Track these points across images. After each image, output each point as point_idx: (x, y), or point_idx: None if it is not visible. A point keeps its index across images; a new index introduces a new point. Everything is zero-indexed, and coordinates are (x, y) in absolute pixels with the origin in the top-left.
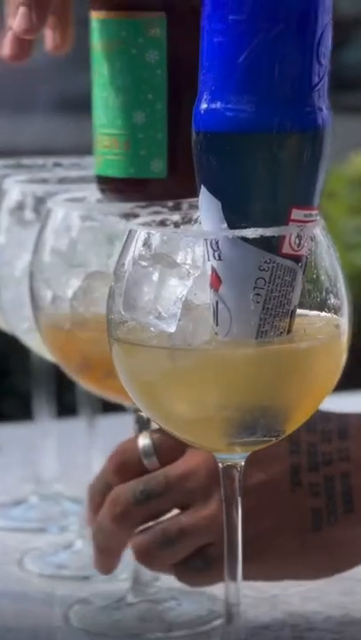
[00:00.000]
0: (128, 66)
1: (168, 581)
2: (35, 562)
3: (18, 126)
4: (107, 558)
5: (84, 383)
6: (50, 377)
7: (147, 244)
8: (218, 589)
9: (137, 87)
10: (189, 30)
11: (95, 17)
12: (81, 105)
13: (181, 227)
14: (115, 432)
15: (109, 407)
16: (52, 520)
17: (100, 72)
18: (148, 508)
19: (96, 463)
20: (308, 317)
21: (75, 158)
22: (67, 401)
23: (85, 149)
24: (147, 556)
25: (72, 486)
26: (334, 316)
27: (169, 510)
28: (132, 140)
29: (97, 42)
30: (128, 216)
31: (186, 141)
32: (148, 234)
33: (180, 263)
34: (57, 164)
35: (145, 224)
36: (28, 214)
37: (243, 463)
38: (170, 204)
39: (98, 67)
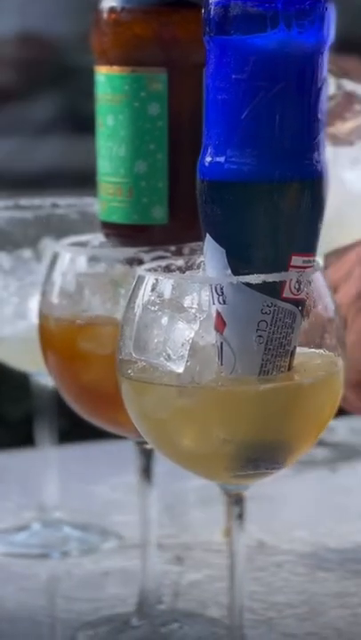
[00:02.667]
0: (131, 118)
1: (171, 604)
2: (36, 586)
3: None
4: None
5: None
6: (51, 404)
7: (155, 289)
8: (217, 612)
9: (139, 138)
10: (189, 85)
11: (100, 71)
12: None
13: (186, 272)
14: (114, 458)
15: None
16: (54, 546)
17: (105, 123)
18: None
19: (96, 489)
20: (307, 355)
21: (72, 199)
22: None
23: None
24: None
25: (73, 513)
26: (331, 353)
27: None
28: (134, 188)
29: (102, 95)
30: (132, 260)
31: (185, 189)
32: (157, 280)
33: (188, 307)
34: (55, 205)
35: (152, 270)
36: None
37: (246, 493)
38: (172, 248)
39: (102, 118)
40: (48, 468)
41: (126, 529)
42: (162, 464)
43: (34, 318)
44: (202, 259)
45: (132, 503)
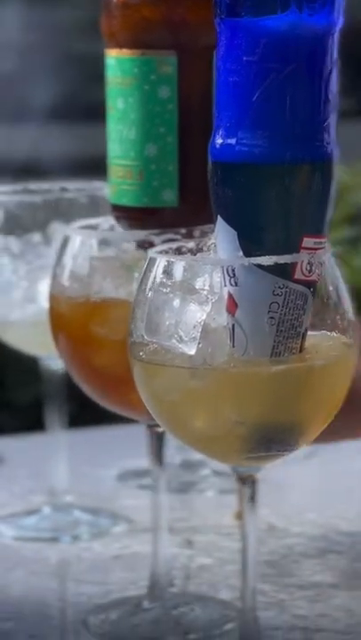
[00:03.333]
0: (141, 101)
1: (182, 587)
2: (47, 568)
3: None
4: None
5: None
6: (61, 388)
7: (167, 271)
8: (228, 595)
9: (150, 121)
10: (199, 67)
11: (110, 55)
12: None
13: (198, 254)
14: (124, 442)
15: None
16: (64, 530)
17: (115, 106)
18: None
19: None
20: (318, 337)
21: (81, 183)
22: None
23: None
24: None
25: (83, 497)
26: (342, 335)
27: None
28: (145, 171)
29: (112, 78)
30: (143, 243)
31: (196, 172)
32: (169, 262)
33: (199, 289)
34: (63, 189)
35: (164, 252)
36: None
37: (258, 475)
38: (183, 231)
39: (112, 101)
40: (58, 453)
41: (136, 513)
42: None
43: (43, 302)
44: (213, 241)
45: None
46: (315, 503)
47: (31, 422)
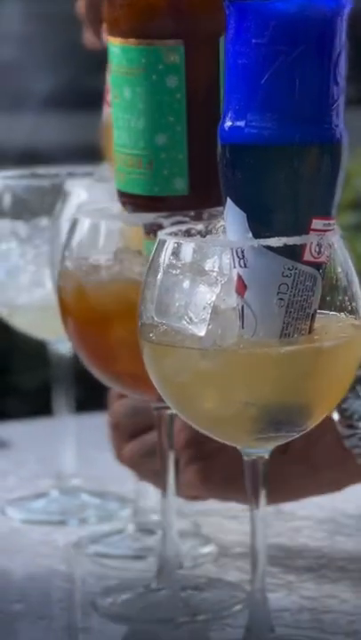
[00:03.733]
0: (149, 91)
1: (190, 570)
2: (55, 551)
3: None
4: None
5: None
6: (68, 372)
7: (176, 253)
8: (236, 576)
9: (158, 111)
10: (206, 56)
11: (114, 43)
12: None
13: (207, 236)
14: None
15: None
16: (72, 513)
17: (121, 95)
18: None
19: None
20: (327, 318)
21: (88, 167)
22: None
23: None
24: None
25: (90, 480)
26: (351, 316)
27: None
28: (155, 160)
29: (117, 66)
30: (152, 226)
31: (205, 160)
32: (178, 243)
33: (209, 271)
34: (71, 174)
35: (173, 234)
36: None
37: (267, 456)
38: (191, 213)
39: (118, 90)
40: (65, 436)
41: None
42: None
43: (51, 286)
44: (222, 223)
45: None
46: None
47: (39, 407)
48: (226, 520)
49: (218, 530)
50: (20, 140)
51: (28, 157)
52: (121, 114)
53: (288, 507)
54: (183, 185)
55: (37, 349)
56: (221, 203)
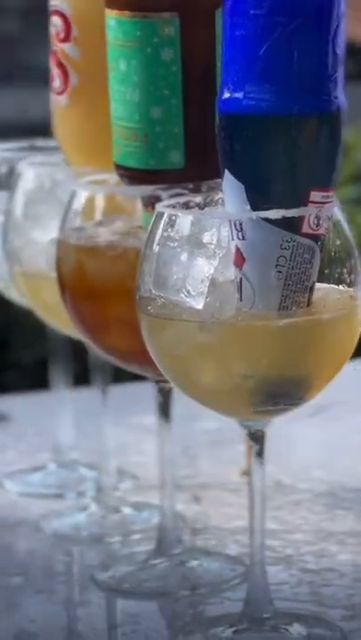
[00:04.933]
0: (144, 64)
1: (190, 543)
2: (52, 523)
3: None
4: None
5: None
6: (65, 347)
7: (174, 225)
8: (236, 550)
9: (153, 84)
10: (201, 28)
11: (110, 15)
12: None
13: (205, 209)
14: (127, 401)
15: (121, 377)
16: (69, 486)
17: (117, 68)
18: None
19: (109, 431)
20: (325, 291)
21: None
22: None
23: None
24: None
25: (88, 454)
26: (350, 289)
27: None
28: (150, 133)
29: (113, 39)
30: (150, 198)
31: (201, 133)
32: (176, 216)
33: (207, 243)
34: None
35: (171, 207)
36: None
37: (266, 429)
38: (190, 185)
39: (114, 62)
40: (63, 410)
41: (141, 469)
42: (178, 406)
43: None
44: (220, 195)
45: (147, 444)
46: (321, 460)
47: (37, 381)
48: (225, 493)
49: (217, 503)
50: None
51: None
52: (117, 86)
53: (288, 480)
54: (179, 158)
55: (35, 323)
56: (217, 176)
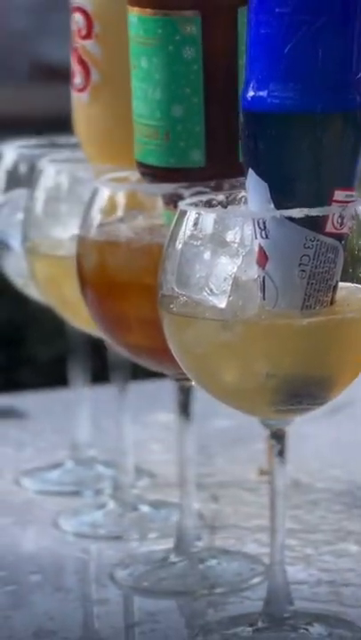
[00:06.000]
0: (165, 62)
1: (209, 542)
2: (69, 521)
3: None
4: None
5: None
6: (84, 344)
7: (197, 224)
8: (255, 549)
9: (175, 82)
10: (223, 27)
11: (132, 12)
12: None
13: (228, 207)
14: (146, 399)
15: (139, 374)
16: (87, 484)
17: (139, 65)
18: None
19: (127, 429)
20: (349, 290)
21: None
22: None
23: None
24: None
25: (105, 451)
26: None
27: None
28: (171, 132)
29: (135, 36)
30: (172, 196)
31: (222, 132)
32: (199, 214)
33: (230, 242)
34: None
35: (194, 205)
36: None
37: (287, 429)
38: (211, 184)
39: (136, 60)
40: (81, 408)
41: (159, 467)
42: (194, 403)
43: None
44: (243, 194)
45: (165, 442)
46: (339, 459)
47: (54, 378)
48: (243, 492)
49: (235, 502)
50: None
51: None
52: (138, 84)
53: (306, 479)
54: (200, 157)
55: (53, 320)
56: (238, 175)
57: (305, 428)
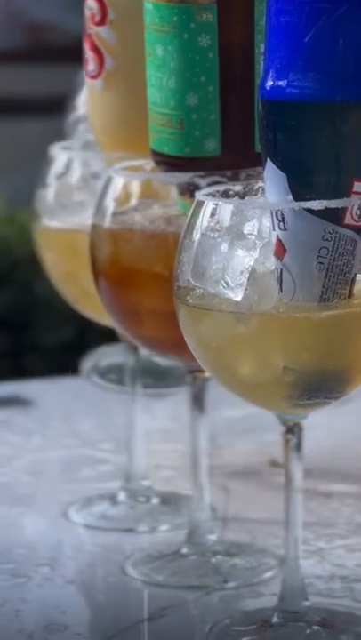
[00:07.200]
0: (181, 50)
1: (221, 534)
2: (80, 513)
3: None
4: None
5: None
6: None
7: (215, 215)
8: (266, 542)
9: (190, 70)
10: (240, 15)
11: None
12: None
13: (246, 198)
14: None
15: None
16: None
17: (154, 53)
18: None
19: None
20: None
21: None
22: None
23: None
24: None
25: (116, 442)
26: None
27: None
28: (186, 120)
29: (150, 23)
30: (187, 186)
31: (238, 121)
32: (217, 205)
33: (247, 234)
34: None
35: (211, 195)
36: None
37: (303, 423)
38: (228, 173)
39: (151, 47)
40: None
41: (171, 459)
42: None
43: None
44: (260, 184)
45: (177, 433)
46: (352, 450)
47: (60, 366)
48: (255, 483)
49: (246, 493)
50: None
51: None
52: (153, 72)
53: (318, 471)
54: (215, 146)
55: (60, 308)
56: (253, 165)
57: (317, 420)
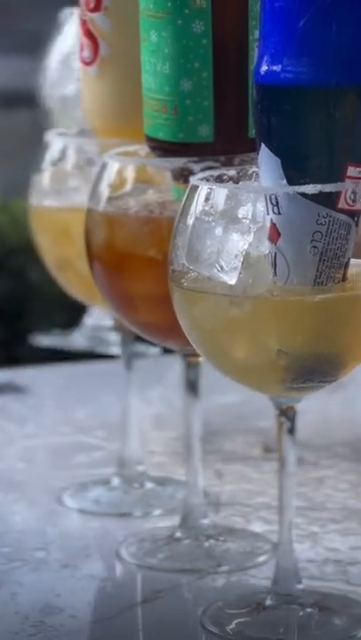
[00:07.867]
0: (175, 36)
1: (215, 519)
2: (74, 498)
3: None
4: None
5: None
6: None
7: (209, 199)
8: (260, 527)
9: (184, 56)
10: (233, 1)
11: None
12: None
13: (240, 182)
14: (151, 374)
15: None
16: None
17: (148, 39)
18: None
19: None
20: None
21: None
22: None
23: None
24: None
25: (110, 428)
26: None
27: None
28: (180, 106)
29: (144, 9)
30: (181, 171)
31: (231, 107)
32: (211, 189)
33: (241, 218)
34: None
35: (206, 180)
36: None
37: (297, 406)
38: (222, 158)
39: (145, 33)
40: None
41: (165, 444)
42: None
43: None
44: (254, 169)
45: (171, 418)
46: (344, 436)
47: (54, 353)
48: (248, 469)
49: (240, 479)
50: None
51: None
52: (147, 57)
53: (311, 457)
54: (208, 132)
55: (54, 296)
56: (247, 150)
57: (310, 405)
